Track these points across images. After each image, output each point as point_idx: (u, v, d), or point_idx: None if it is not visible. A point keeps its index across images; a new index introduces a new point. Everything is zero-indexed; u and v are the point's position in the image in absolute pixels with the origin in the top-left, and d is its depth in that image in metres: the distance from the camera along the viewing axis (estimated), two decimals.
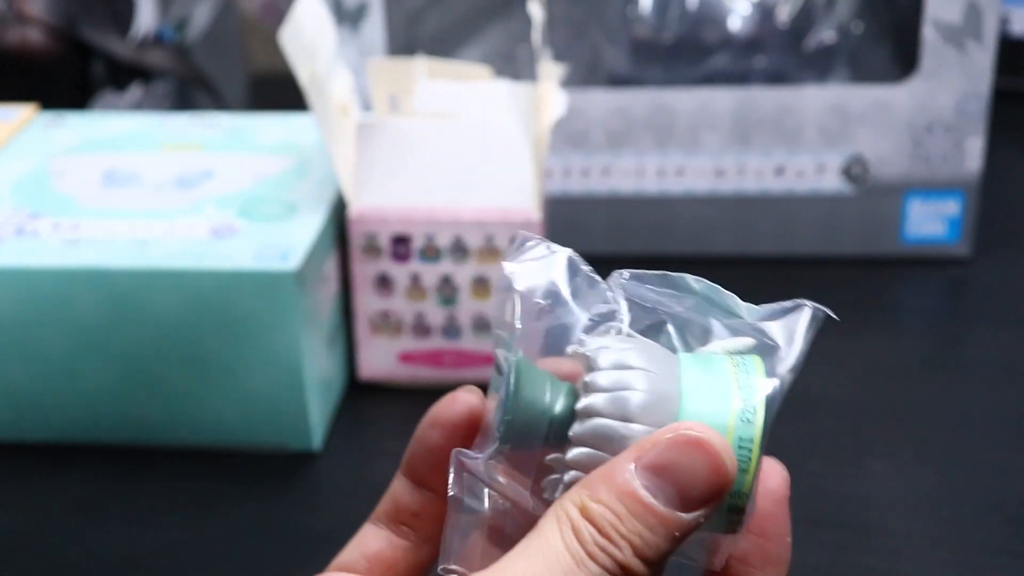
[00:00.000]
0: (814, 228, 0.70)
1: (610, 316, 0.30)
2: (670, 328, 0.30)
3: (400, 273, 0.57)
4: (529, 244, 0.30)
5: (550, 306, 0.29)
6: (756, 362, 0.29)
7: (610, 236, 0.71)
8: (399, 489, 0.33)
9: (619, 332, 0.29)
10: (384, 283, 0.58)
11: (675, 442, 0.27)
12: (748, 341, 0.30)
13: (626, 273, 0.30)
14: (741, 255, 0.71)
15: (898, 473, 0.53)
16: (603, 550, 0.27)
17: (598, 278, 0.30)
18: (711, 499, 0.28)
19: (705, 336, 0.30)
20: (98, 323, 0.53)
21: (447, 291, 0.57)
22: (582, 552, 0.27)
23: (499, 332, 0.29)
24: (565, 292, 0.29)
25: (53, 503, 0.53)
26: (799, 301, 0.30)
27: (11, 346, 0.54)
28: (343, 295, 0.59)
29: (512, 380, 0.28)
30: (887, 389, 0.59)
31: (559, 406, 0.28)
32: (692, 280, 0.30)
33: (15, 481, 0.54)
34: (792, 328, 0.30)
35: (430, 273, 0.57)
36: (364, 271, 0.58)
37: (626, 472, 0.27)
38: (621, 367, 0.28)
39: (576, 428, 0.28)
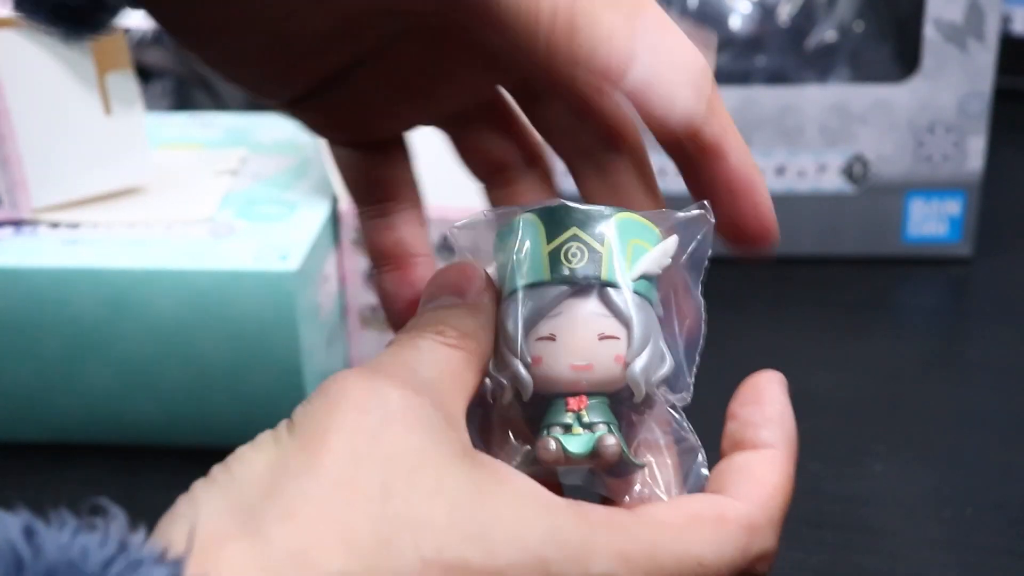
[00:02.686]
0: (815, 228, 0.70)
1: None
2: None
3: None
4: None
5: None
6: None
7: None
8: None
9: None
10: (374, 278, 0.58)
11: None
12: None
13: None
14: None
15: (899, 473, 0.53)
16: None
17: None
18: None
19: None
20: (97, 323, 0.53)
21: None
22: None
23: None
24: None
25: (53, 503, 0.53)
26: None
27: (11, 346, 0.54)
28: (343, 294, 0.59)
29: None
30: (888, 389, 0.59)
31: None
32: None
33: (15, 481, 0.54)
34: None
35: None
36: (355, 265, 0.58)
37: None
38: None
39: None
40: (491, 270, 0.33)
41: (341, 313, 0.59)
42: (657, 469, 0.31)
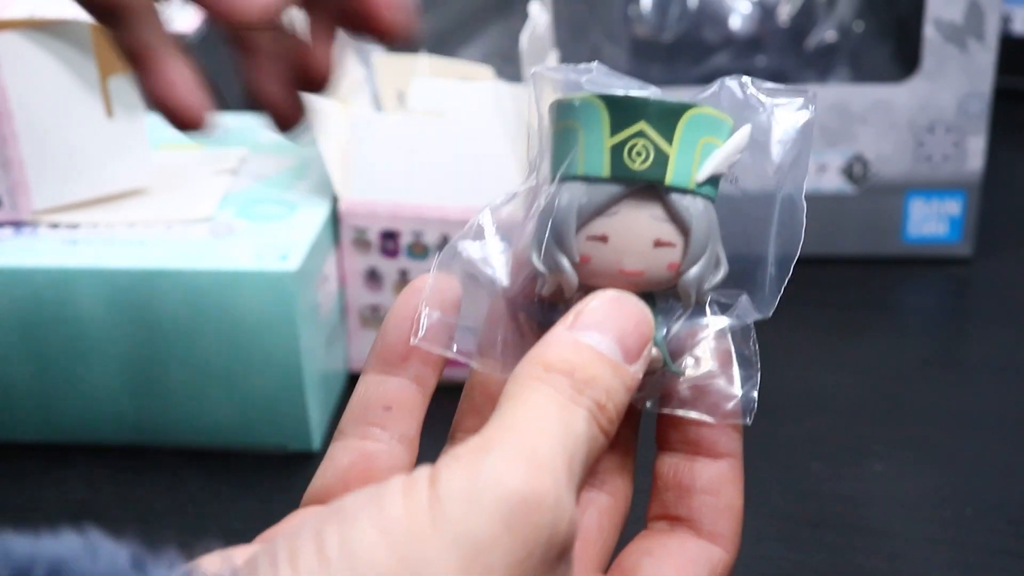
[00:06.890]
0: (815, 228, 0.70)
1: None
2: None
3: (389, 268, 0.57)
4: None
5: None
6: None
7: None
8: (366, 389, 0.32)
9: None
10: (374, 277, 0.58)
11: (599, 301, 0.29)
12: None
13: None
14: (741, 254, 0.70)
15: (899, 473, 0.53)
16: (580, 392, 0.27)
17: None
18: (643, 346, 0.29)
19: None
20: (98, 323, 0.53)
21: None
22: (563, 397, 0.27)
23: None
24: None
25: (53, 503, 0.53)
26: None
27: (11, 346, 0.54)
28: (343, 294, 0.59)
29: None
30: (888, 389, 0.59)
31: None
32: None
33: (15, 481, 0.54)
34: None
35: (418, 270, 0.57)
36: (354, 264, 0.58)
37: (565, 332, 0.28)
38: None
39: None
40: (535, 144, 0.31)
41: (341, 313, 0.59)
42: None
